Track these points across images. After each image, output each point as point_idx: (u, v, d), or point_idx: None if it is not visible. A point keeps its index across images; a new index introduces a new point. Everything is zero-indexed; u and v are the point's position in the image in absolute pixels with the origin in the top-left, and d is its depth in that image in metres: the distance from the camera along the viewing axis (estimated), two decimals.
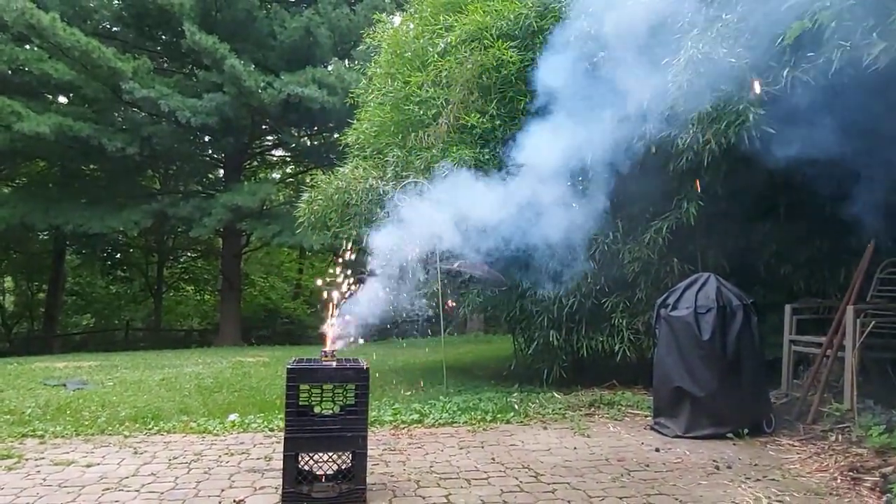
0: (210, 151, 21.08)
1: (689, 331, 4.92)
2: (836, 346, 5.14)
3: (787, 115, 4.72)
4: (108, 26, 18.71)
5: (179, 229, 21.24)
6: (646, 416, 5.50)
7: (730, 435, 4.75)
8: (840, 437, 4.56)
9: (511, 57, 6.62)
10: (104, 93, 16.54)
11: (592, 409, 5.88)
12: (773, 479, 3.83)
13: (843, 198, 5.25)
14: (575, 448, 4.60)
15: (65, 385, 7.99)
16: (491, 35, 6.72)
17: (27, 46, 16.42)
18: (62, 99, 18.90)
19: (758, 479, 3.83)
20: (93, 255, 23.17)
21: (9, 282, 25.92)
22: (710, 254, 6.46)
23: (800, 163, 4.73)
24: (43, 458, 4.27)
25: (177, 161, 20.62)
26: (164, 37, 19.18)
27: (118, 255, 24.72)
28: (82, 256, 23.57)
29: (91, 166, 19.55)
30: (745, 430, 4.78)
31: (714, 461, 4.21)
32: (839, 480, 3.78)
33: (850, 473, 3.83)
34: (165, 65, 19.82)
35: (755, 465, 4.14)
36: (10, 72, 16.56)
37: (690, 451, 4.49)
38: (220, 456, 4.38)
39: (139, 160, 18.11)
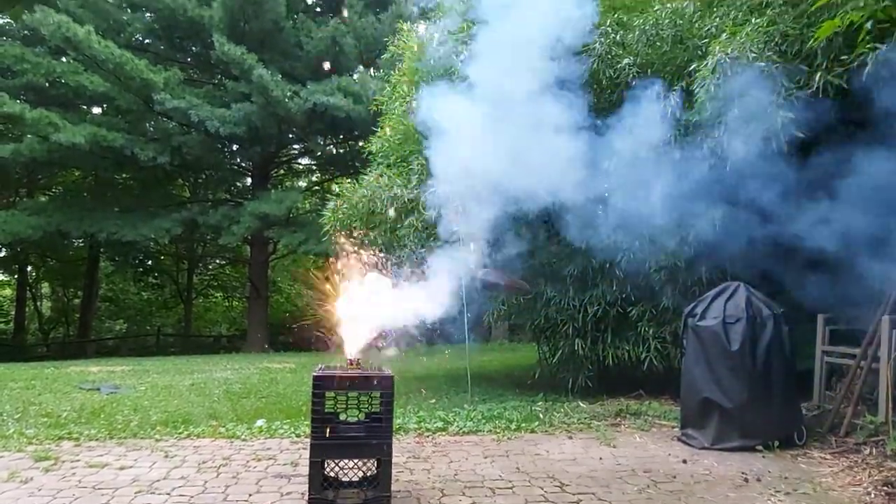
0: (238, 160, 21.48)
1: (718, 341, 4.85)
2: (870, 358, 5.03)
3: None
4: (141, 39, 19.28)
5: (209, 237, 21.69)
6: (673, 427, 5.43)
7: (759, 447, 4.67)
8: (874, 450, 4.45)
9: None
10: (136, 104, 17.03)
11: (618, 419, 5.82)
12: (804, 493, 3.76)
13: (876, 205, 5.13)
14: (601, 458, 4.56)
15: (99, 389, 8.20)
16: None
17: (63, 59, 16.98)
18: (96, 110, 19.49)
19: (788, 493, 3.76)
20: (125, 262, 23.76)
21: (45, 288, 26.73)
22: (738, 262, 6.35)
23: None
24: (78, 461, 4.39)
25: (206, 170, 21.07)
26: (193, 48, 19.69)
27: (150, 262, 25.32)
28: (115, 263, 24.17)
29: (124, 175, 20.11)
30: (776, 443, 4.69)
31: (743, 473, 4.14)
32: (873, 495, 3.69)
33: (885, 488, 3.74)
34: (195, 76, 20.31)
35: (785, 478, 4.06)
36: (47, 84, 17.17)
37: (718, 462, 4.42)
38: (247, 461, 4.45)
39: (170, 169, 18.61)
